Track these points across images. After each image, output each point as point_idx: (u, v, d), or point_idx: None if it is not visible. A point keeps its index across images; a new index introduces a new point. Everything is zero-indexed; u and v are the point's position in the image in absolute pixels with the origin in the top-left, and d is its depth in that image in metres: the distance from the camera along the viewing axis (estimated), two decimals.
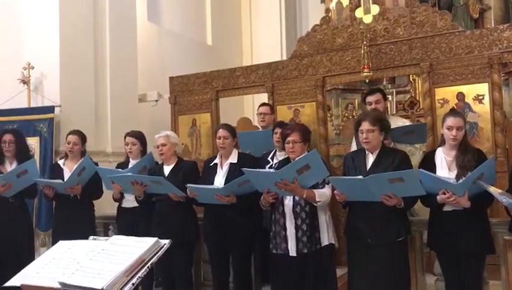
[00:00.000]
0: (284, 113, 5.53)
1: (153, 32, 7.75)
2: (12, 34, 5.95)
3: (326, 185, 3.48)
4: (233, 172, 3.85)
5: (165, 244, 2.01)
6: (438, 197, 3.16)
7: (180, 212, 4.02)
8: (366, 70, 5.00)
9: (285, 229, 3.52)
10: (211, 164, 4.06)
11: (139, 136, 4.49)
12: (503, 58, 4.65)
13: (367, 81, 6.38)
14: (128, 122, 5.80)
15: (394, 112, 7.95)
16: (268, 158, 4.30)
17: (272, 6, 9.66)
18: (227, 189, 3.73)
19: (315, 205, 3.46)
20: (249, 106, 8.97)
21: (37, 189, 4.52)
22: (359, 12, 5.22)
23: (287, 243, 3.51)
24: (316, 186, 3.45)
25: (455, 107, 4.60)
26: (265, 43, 9.49)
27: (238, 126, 6.61)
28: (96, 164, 4.47)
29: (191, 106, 6.11)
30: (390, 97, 8.07)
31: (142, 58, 6.99)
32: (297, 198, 3.49)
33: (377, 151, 3.36)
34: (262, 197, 3.57)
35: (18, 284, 2.00)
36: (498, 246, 3.51)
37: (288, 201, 3.54)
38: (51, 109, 5.66)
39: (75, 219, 4.28)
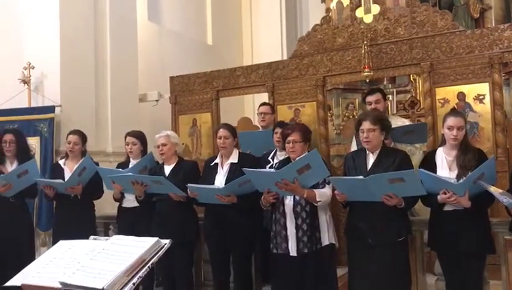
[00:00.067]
0: (285, 113, 5.53)
1: (153, 32, 7.75)
2: (13, 34, 5.95)
3: (327, 185, 3.48)
4: (234, 172, 3.85)
5: (165, 244, 2.01)
6: (439, 197, 3.16)
7: (181, 212, 4.02)
8: (366, 70, 5.00)
9: (285, 229, 3.52)
10: (212, 164, 4.06)
11: (140, 136, 4.49)
12: (503, 58, 4.65)
13: (367, 80, 6.37)
14: (129, 122, 5.80)
15: (395, 112, 7.93)
16: (269, 158, 4.30)
17: (272, 6, 9.65)
18: (227, 189, 3.73)
19: (315, 204, 3.46)
20: (250, 106, 8.97)
21: (38, 189, 4.52)
22: (360, 12, 5.23)
23: (287, 242, 3.51)
24: (316, 186, 3.46)
25: (456, 107, 4.61)
26: (266, 42, 9.49)
27: (239, 126, 6.60)
28: (97, 164, 4.47)
29: (192, 106, 6.11)
30: (390, 97, 8.06)
31: (143, 58, 7.00)
32: (297, 198, 3.49)
33: (377, 151, 3.36)
34: (262, 197, 3.58)
35: (19, 284, 1.99)
36: (498, 246, 3.51)
37: (289, 201, 3.54)
38: (51, 109, 5.67)
39: (76, 218, 4.28)
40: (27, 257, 3.91)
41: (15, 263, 3.40)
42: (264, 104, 5.19)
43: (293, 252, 3.49)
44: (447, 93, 4.82)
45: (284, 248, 3.52)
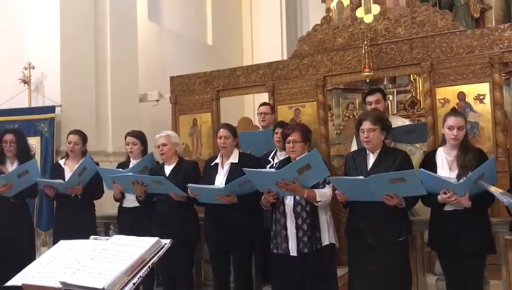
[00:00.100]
0: (285, 112, 5.53)
1: (153, 32, 7.75)
2: (13, 34, 5.95)
3: (327, 185, 3.48)
4: (234, 172, 3.85)
5: (165, 244, 2.01)
6: (439, 197, 3.16)
7: (181, 212, 4.02)
8: (366, 70, 5.00)
9: (285, 228, 3.52)
10: (212, 164, 4.06)
11: (140, 136, 4.50)
12: (504, 58, 4.65)
13: (368, 80, 6.37)
14: (129, 122, 5.81)
15: (395, 112, 7.94)
16: (269, 158, 4.30)
17: (272, 6, 9.66)
18: (228, 189, 3.73)
19: (316, 204, 3.46)
20: (250, 106, 8.97)
21: (38, 189, 4.52)
22: (360, 12, 5.23)
23: (287, 242, 3.51)
24: (316, 186, 3.46)
25: (456, 107, 4.60)
26: (266, 42, 9.49)
27: (239, 126, 6.59)
28: (97, 164, 4.47)
29: (192, 106, 6.11)
30: (391, 97, 8.07)
31: (143, 58, 7.00)
32: (298, 198, 3.49)
33: (377, 151, 3.36)
34: (263, 197, 3.58)
35: (19, 284, 2.00)
36: (499, 245, 3.51)
37: (289, 201, 3.54)
38: (51, 109, 5.67)
39: (76, 218, 4.28)
40: (27, 257, 3.91)
41: (15, 263, 3.41)
42: (264, 104, 5.19)
43: (293, 252, 3.49)
44: (447, 93, 4.82)
45: (284, 247, 3.52)
